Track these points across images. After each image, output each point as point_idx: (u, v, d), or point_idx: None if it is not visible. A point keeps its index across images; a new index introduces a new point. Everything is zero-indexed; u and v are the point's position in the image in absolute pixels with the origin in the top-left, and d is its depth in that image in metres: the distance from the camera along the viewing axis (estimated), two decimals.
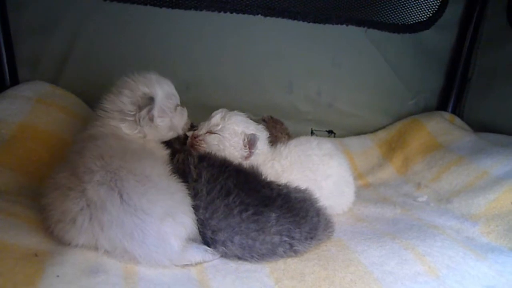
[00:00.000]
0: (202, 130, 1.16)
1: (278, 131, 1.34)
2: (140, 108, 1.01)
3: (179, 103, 1.13)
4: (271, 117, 1.41)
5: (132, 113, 1.01)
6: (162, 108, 1.06)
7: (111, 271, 0.80)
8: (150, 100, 1.02)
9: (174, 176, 0.97)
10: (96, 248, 0.84)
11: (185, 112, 1.15)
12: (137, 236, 0.83)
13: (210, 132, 1.15)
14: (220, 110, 1.20)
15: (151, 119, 1.03)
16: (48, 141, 1.27)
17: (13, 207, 0.95)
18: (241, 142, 1.15)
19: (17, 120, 1.27)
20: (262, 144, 1.18)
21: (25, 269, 0.74)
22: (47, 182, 0.91)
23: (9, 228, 0.85)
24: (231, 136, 1.14)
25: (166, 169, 0.97)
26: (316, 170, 1.19)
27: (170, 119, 1.09)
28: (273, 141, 1.25)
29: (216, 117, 1.16)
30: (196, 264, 0.91)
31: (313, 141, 1.25)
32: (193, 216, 0.92)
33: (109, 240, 0.83)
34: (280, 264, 0.93)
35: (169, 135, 1.12)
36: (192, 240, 0.93)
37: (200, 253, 0.92)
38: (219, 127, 1.14)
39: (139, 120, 1.01)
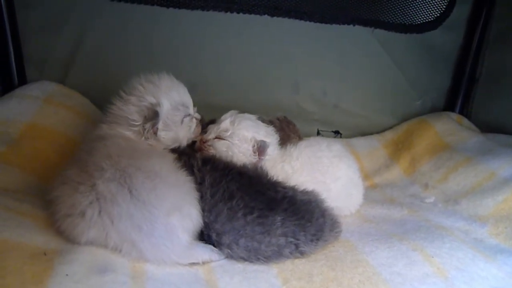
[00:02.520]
0: (211, 135, 1.14)
1: (291, 131, 1.33)
2: (145, 120, 1.00)
3: (189, 112, 1.10)
4: (285, 117, 1.39)
5: (137, 123, 1.00)
6: (167, 122, 1.04)
7: (119, 270, 0.81)
8: (156, 113, 1.00)
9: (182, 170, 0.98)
10: (104, 244, 0.85)
11: (193, 124, 1.12)
12: (146, 229, 0.84)
13: (219, 137, 1.13)
14: (230, 113, 1.17)
15: (155, 133, 1.02)
16: (55, 141, 1.28)
17: (21, 206, 0.95)
18: (250, 148, 1.13)
19: (25, 120, 1.27)
20: (272, 149, 1.17)
21: (34, 268, 0.75)
22: (56, 178, 0.92)
23: (17, 226, 0.85)
24: (241, 143, 1.12)
25: (174, 165, 0.98)
26: (326, 172, 1.18)
27: (175, 132, 1.07)
28: (284, 140, 1.23)
29: (226, 122, 1.14)
30: (203, 263, 0.91)
31: (323, 142, 1.25)
32: (199, 207, 0.94)
33: (119, 233, 0.84)
34: (287, 264, 0.93)
35: (174, 145, 1.09)
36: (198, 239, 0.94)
37: (207, 252, 0.92)
38: (229, 133, 1.12)
39: (143, 131, 1.01)
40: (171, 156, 1.03)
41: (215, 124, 1.17)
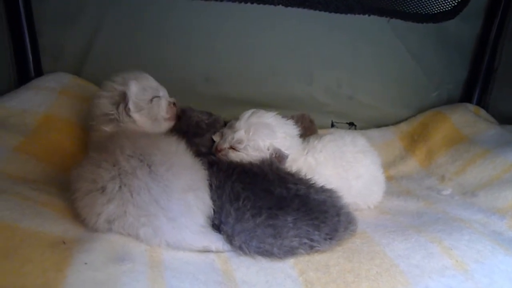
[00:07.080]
0: (225, 144, 1.09)
1: (307, 129, 1.28)
2: (117, 105, 1.06)
3: (158, 94, 1.13)
4: (303, 115, 1.33)
5: (112, 112, 1.06)
6: (137, 102, 1.07)
7: (138, 259, 0.81)
8: (124, 95, 1.06)
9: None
10: (123, 222, 0.87)
11: (162, 102, 1.14)
12: (163, 203, 0.87)
13: (233, 148, 1.08)
14: (246, 115, 1.11)
15: (128, 114, 1.06)
16: (71, 132, 1.29)
17: (39, 195, 0.96)
18: (268, 156, 1.08)
19: (42, 111, 1.29)
20: (293, 153, 1.11)
21: (54, 256, 0.75)
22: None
23: (36, 216, 0.86)
24: (256, 153, 1.07)
25: (188, 150, 1.02)
26: (349, 168, 1.15)
27: (147, 112, 1.10)
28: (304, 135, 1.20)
29: (240, 133, 1.08)
30: (217, 250, 0.92)
31: (347, 136, 1.21)
32: (209, 193, 0.98)
33: (137, 207, 0.86)
34: (304, 255, 0.92)
35: (158, 128, 1.13)
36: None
37: (221, 240, 0.93)
38: (243, 145, 1.07)
39: (119, 117, 1.06)
40: (184, 144, 1.05)
41: (231, 129, 1.12)
